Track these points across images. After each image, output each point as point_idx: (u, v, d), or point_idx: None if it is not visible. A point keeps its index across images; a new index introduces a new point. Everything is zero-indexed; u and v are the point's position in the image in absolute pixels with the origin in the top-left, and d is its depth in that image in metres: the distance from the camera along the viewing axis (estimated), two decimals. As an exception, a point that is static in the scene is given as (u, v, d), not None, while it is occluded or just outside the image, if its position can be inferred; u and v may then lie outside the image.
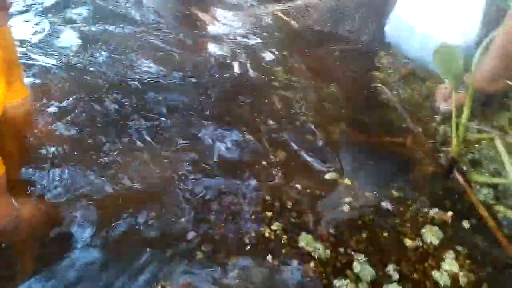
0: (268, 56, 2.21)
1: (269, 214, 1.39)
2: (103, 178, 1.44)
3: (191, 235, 1.29)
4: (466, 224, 1.43)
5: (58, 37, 2.23)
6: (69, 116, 1.69)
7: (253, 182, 1.49)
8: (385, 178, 1.59)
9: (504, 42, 1.65)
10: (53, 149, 1.54)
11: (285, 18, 2.39)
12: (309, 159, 1.62)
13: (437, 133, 1.79)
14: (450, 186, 1.59)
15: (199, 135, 1.67)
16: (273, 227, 1.35)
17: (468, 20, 1.72)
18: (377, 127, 1.83)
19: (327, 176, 1.55)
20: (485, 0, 1.69)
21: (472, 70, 1.57)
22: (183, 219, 1.34)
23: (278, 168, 1.56)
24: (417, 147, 1.74)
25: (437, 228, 1.39)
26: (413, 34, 1.96)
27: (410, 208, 1.47)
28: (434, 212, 1.45)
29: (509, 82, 1.79)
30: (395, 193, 1.52)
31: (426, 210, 1.47)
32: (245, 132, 1.70)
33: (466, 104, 1.59)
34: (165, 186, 1.44)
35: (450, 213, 1.43)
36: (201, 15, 2.30)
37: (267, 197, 1.44)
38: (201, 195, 1.43)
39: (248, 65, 2.11)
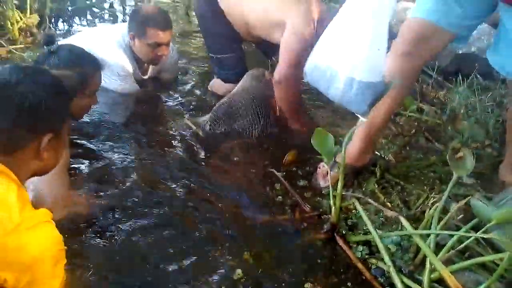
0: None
1: None
2: None
3: None
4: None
5: None
6: None
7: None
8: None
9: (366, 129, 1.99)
10: None
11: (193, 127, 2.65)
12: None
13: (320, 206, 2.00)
14: (332, 247, 1.76)
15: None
16: None
17: (375, 58, 1.73)
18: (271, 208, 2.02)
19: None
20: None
21: (342, 151, 1.79)
22: None
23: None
24: (303, 220, 1.92)
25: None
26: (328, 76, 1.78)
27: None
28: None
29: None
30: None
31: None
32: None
33: (340, 180, 1.80)
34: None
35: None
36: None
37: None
38: None
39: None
